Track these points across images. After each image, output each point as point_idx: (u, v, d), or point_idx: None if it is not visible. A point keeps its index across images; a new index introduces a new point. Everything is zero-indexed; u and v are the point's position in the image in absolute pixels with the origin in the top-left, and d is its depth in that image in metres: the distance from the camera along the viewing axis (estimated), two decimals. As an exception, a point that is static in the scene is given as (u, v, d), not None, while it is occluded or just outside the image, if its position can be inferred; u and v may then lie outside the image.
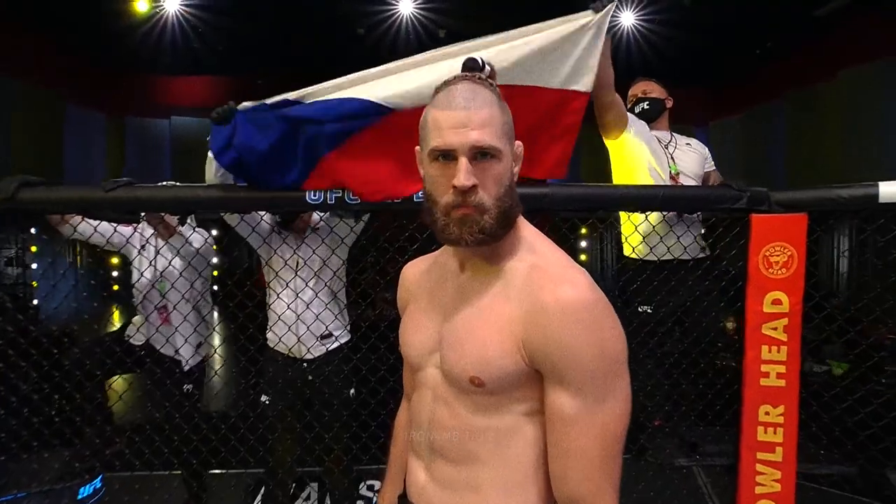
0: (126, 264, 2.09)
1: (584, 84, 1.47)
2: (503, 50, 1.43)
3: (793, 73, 8.21)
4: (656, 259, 1.71)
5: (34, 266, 8.09)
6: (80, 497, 1.67)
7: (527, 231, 0.79)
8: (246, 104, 1.46)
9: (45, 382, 1.54)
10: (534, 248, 0.77)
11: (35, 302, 7.61)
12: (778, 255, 1.54)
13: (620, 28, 6.94)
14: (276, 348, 1.82)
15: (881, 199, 1.43)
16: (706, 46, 7.81)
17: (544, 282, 0.71)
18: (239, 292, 1.75)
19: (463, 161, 0.70)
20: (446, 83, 0.76)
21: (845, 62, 7.34)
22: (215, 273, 2.55)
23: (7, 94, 6.74)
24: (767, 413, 1.56)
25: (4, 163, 6.47)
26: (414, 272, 0.92)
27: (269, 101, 1.48)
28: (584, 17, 1.46)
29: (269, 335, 1.84)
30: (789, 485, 1.56)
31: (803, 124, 8.17)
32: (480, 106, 0.71)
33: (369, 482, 2.17)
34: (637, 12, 6.72)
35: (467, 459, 0.74)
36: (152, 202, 1.44)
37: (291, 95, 1.48)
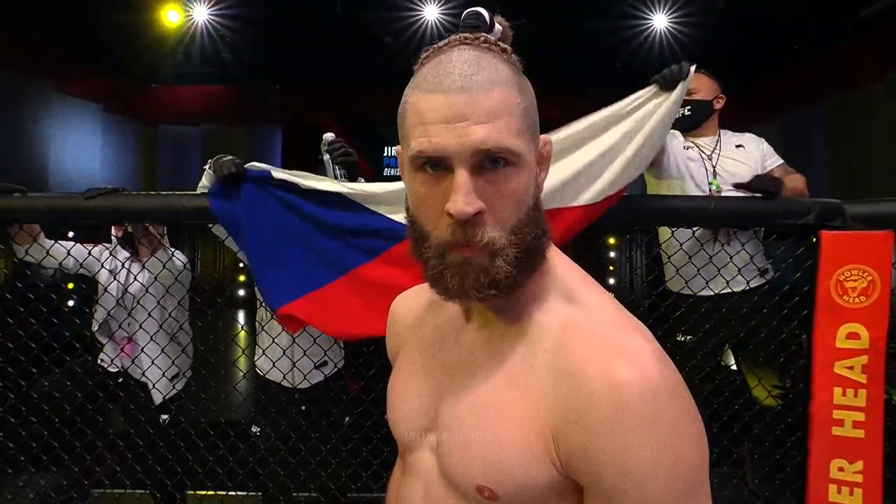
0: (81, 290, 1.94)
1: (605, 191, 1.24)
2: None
3: (835, 76, 7.72)
4: (692, 294, 1.47)
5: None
6: None
7: (561, 267, 0.55)
8: (254, 168, 1.32)
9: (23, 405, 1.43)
10: (572, 293, 0.52)
11: None
12: (855, 280, 1.28)
13: (653, 31, 6.65)
14: (267, 377, 1.66)
15: None
16: (742, 49, 7.42)
17: (588, 352, 0.47)
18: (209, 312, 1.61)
19: (462, 175, 0.46)
20: (437, 49, 0.51)
21: (893, 64, 6.84)
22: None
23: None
24: (841, 469, 1.29)
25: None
26: (408, 309, 0.68)
27: (275, 173, 1.32)
28: (652, 94, 1.26)
29: (261, 362, 1.67)
30: (870, 556, 1.29)
31: (846, 132, 7.66)
32: (487, 86, 0.46)
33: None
34: (670, 14, 6.42)
35: None
36: (136, 211, 1.30)
37: (304, 182, 1.31)
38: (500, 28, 0.56)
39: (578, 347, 0.47)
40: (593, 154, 1.22)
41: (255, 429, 1.67)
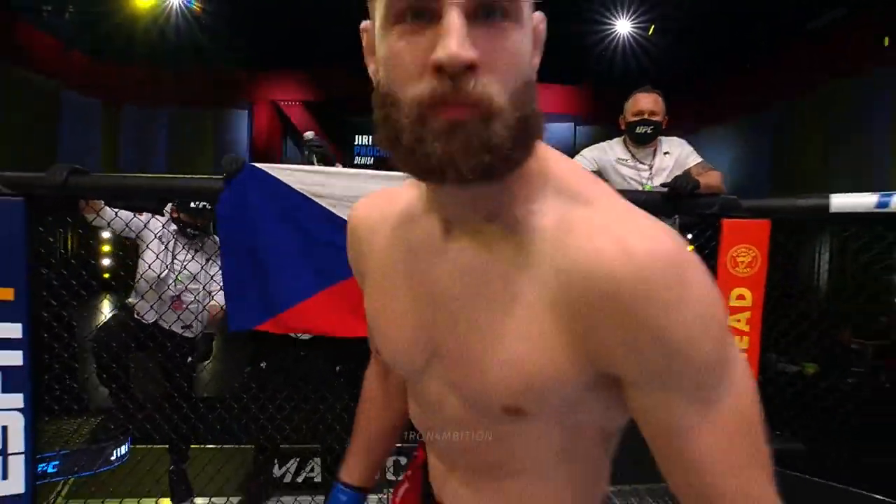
0: (129, 250, 2.28)
1: None
2: None
3: (781, 84, 8.52)
4: None
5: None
6: (112, 458, 1.85)
7: (560, 166, 0.48)
8: (257, 167, 1.60)
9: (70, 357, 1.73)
10: (575, 192, 0.46)
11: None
12: (744, 256, 1.76)
13: (617, 36, 7.21)
14: None
15: (832, 209, 1.66)
16: (699, 55, 8.09)
17: (599, 241, 0.41)
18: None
19: (454, 16, 0.38)
20: None
21: (833, 73, 7.66)
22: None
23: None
24: (731, 395, 1.78)
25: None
26: (370, 222, 0.59)
27: (283, 177, 1.58)
28: None
29: None
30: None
31: (789, 135, 8.50)
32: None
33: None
34: (633, 20, 6.97)
35: (510, 475, 0.53)
36: (182, 189, 1.64)
37: (308, 189, 1.59)
38: None
39: (586, 241, 0.41)
40: None
41: (263, 363, 2.03)
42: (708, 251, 1.84)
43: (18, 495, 1.61)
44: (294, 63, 8.91)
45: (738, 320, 1.77)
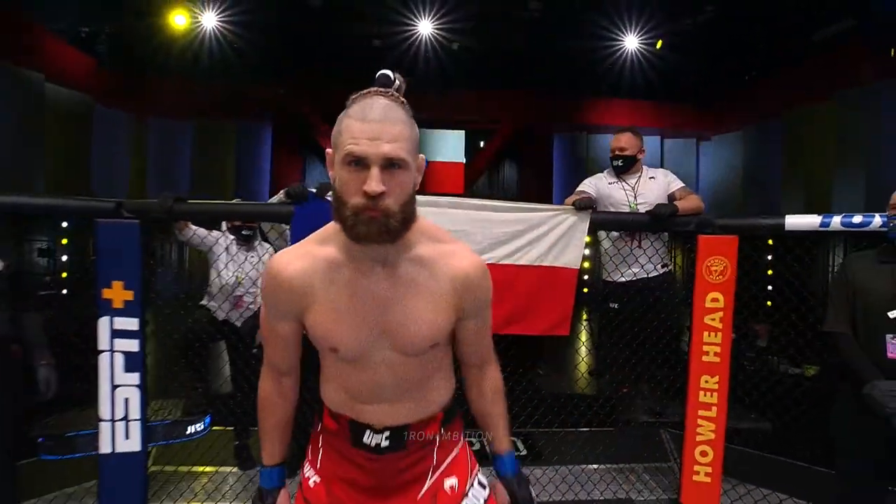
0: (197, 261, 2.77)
1: (573, 262, 2.15)
2: (500, 218, 2.11)
3: (791, 92, 8.80)
4: (624, 280, 2.39)
5: (63, 258, 8.68)
6: (188, 432, 2.31)
7: (429, 226, 0.96)
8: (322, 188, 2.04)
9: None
10: (438, 238, 0.96)
11: (64, 291, 8.23)
12: (717, 266, 2.16)
13: (625, 52, 7.59)
14: None
15: (787, 228, 2.05)
16: (709, 65, 8.42)
17: (460, 261, 0.94)
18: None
19: (375, 170, 0.79)
20: (362, 95, 0.85)
21: (840, 84, 7.93)
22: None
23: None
24: (706, 381, 2.18)
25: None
26: (302, 270, 0.93)
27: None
28: (568, 211, 2.16)
29: None
30: (720, 434, 2.17)
31: (799, 142, 8.74)
32: (394, 122, 0.81)
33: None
34: (640, 36, 7.36)
35: (426, 381, 0.99)
36: (250, 213, 2.11)
37: None
38: (399, 83, 0.89)
39: (458, 261, 0.94)
40: (534, 234, 2.14)
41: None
42: (689, 262, 2.23)
43: (136, 452, 2.07)
44: (315, 77, 9.41)
45: (713, 319, 2.17)
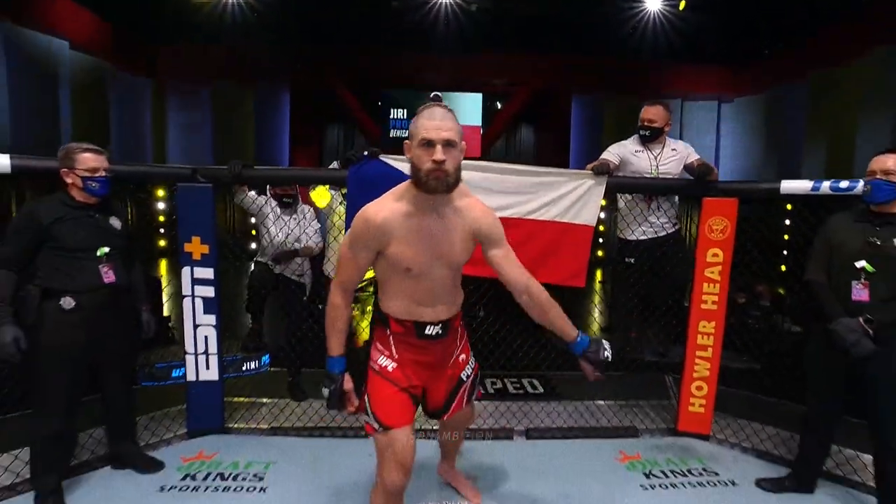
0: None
1: (590, 220, 2.46)
2: (525, 181, 2.42)
3: (817, 53, 8.66)
4: (635, 239, 2.69)
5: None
6: (262, 362, 2.75)
7: (460, 187, 1.46)
8: (387, 160, 2.38)
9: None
10: (461, 192, 1.47)
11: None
12: (718, 225, 2.46)
13: (647, 13, 7.55)
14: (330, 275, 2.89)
15: (782, 191, 2.33)
16: (732, 25, 8.31)
17: (472, 210, 1.48)
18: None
19: (438, 147, 1.31)
20: (426, 106, 1.39)
21: (873, 42, 7.76)
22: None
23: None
24: (704, 326, 2.52)
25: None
26: (386, 218, 1.40)
27: (389, 161, 2.37)
28: (586, 176, 2.45)
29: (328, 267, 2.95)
30: (714, 371, 2.53)
31: (824, 103, 8.66)
32: (448, 120, 1.35)
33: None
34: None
35: (457, 286, 1.56)
36: (306, 177, 2.47)
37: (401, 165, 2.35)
38: (441, 98, 1.70)
39: (472, 211, 1.47)
40: (556, 194, 2.44)
41: None
42: (694, 222, 2.53)
43: (215, 381, 2.50)
44: (333, 41, 9.48)
45: (713, 272, 2.48)
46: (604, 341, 1.51)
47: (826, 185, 2.22)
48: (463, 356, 1.68)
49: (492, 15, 8.49)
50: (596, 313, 4.56)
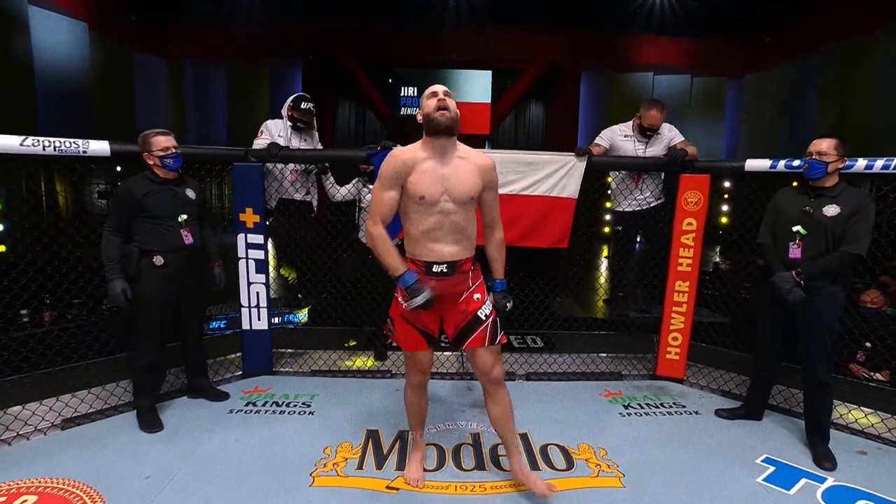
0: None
1: (573, 194, 2.95)
2: (520, 161, 2.93)
3: (831, 26, 8.80)
4: (622, 210, 3.16)
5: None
6: (305, 311, 3.30)
7: (461, 144, 1.86)
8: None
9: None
10: (465, 148, 1.86)
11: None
12: (692, 198, 2.92)
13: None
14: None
15: (746, 169, 2.77)
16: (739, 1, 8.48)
17: (480, 158, 1.86)
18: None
19: (440, 92, 1.78)
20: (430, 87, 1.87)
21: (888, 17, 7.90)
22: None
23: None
24: (680, 285, 3.00)
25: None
26: (409, 157, 1.79)
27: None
28: (570, 156, 2.93)
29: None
30: (688, 324, 3.03)
31: (837, 79, 8.84)
32: (445, 87, 1.81)
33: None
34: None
35: (465, 231, 1.85)
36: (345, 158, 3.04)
37: None
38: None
39: (479, 158, 1.88)
40: (544, 173, 2.94)
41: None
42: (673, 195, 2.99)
43: (265, 330, 3.05)
44: (343, 18, 9.81)
45: (688, 238, 2.96)
46: (509, 300, 2.02)
47: (781, 164, 2.66)
48: (478, 295, 1.94)
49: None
50: (602, 288, 5.06)
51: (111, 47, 8.99)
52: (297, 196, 3.38)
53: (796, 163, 2.61)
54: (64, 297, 2.68)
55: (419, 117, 1.82)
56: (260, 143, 3.24)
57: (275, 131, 3.32)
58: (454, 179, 1.80)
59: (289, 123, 3.36)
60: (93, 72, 8.54)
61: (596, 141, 3.24)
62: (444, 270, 1.86)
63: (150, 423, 2.43)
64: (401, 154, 1.82)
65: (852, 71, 8.56)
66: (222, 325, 3.43)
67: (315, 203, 3.55)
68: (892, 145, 7.36)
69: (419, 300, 1.76)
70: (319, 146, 3.49)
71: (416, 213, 1.84)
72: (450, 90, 1.82)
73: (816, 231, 2.24)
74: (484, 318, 1.92)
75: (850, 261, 2.18)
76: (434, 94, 1.79)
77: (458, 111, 1.81)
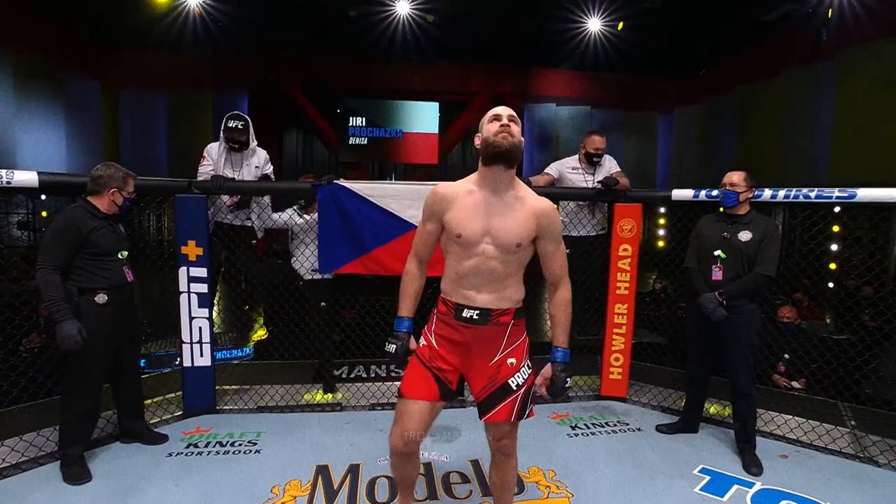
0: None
1: None
2: None
3: (742, 69, 9.82)
4: (574, 235, 3.35)
5: (44, 230, 9.09)
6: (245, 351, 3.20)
7: (519, 180, 1.65)
8: (341, 183, 2.98)
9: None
10: (526, 188, 1.64)
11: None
12: (627, 225, 3.14)
13: (588, 33, 8.42)
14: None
15: (673, 198, 3.03)
16: (671, 41, 9.30)
17: (538, 201, 1.62)
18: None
19: (504, 116, 1.58)
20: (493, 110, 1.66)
21: (786, 63, 8.96)
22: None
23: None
24: (619, 307, 3.18)
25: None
26: (449, 191, 1.63)
27: (351, 186, 2.98)
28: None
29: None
30: (628, 345, 3.20)
31: (750, 116, 9.82)
32: (509, 109, 1.63)
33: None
34: (603, 17, 8.19)
35: (507, 282, 1.61)
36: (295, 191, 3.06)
37: (365, 192, 2.98)
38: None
39: (537, 202, 1.62)
40: None
41: (322, 303, 3.32)
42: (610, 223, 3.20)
43: (208, 366, 2.94)
44: (293, 48, 9.85)
45: (624, 263, 3.16)
46: (569, 377, 1.67)
47: (703, 194, 2.93)
48: (513, 360, 1.64)
49: (447, 28, 9.12)
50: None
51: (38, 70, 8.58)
52: (237, 221, 3.30)
53: (715, 192, 2.88)
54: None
55: (477, 142, 1.63)
56: (203, 169, 3.19)
57: (215, 155, 3.28)
58: (500, 219, 1.58)
59: (224, 145, 3.30)
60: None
61: (545, 171, 3.44)
62: (476, 317, 1.61)
63: (77, 473, 2.26)
64: (442, 188, 1.66)
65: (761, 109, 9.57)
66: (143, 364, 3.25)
67: (257, 227, 3.44)
68: (795, 174, 8.25)
69: (390, 348, 1.67)
70: (258, 168, 3.38)
71: (453, 251, 1.64)
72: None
73: (734, 254, 2.47)
74: (515, 388, 1.63)
75: (763, 281, 2.42)
76: (497, 117, 1.60)
77: (522, 140, 1.62)
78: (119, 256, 2.35)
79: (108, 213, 2.35)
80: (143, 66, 9.88)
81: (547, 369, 1.66)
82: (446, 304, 1.66)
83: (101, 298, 2.28)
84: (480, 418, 1.65)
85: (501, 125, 1.57)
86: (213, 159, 3.25)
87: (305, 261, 3.30)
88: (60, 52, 8.90)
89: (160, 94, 10.29)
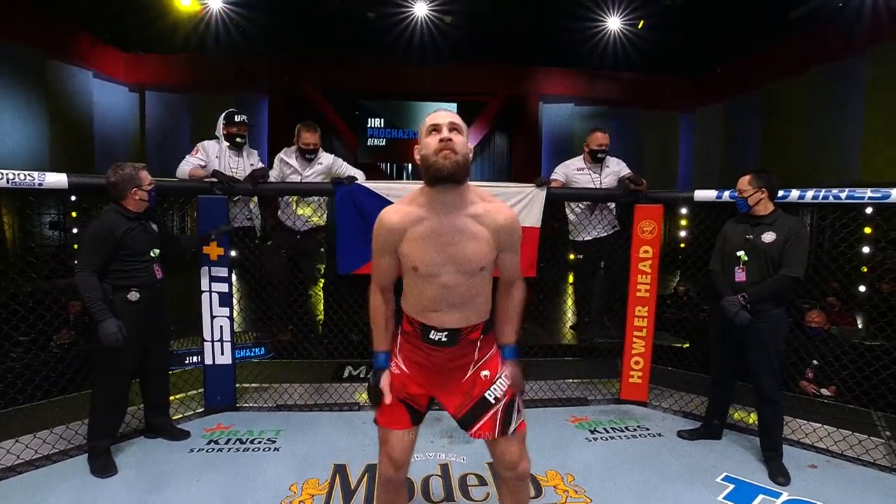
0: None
1: (536, 223, 3.04)
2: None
3: (767, 67, 9.59)
4: (582, 239, 3.31)
5: (74, 230, 9.40)
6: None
7: (473, 188, 1.47)
8: (363, 184, 3.00)
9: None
10: (483, 197, 1.48)
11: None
12: (647, 226, 3.08)
13: (607, 32, 8.32)
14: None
15: (696, 199, 2.97)
16: (692, 39, 9.14)
17: (501, 212, 1.47)
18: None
19: (444, 128, 1.37)
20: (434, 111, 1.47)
21: (814, 60, 8.72)
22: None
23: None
24: (640, 310, 3.13)
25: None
26: (396, 222, 1.45)
27: (370, 185, 2.99)
28: (530, 187, 3.03)
29: None
30: (649, 348, 3.15)
31: (776, 113, 9.58)
32: (452, 113, 1.43)
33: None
34: (622, 16, 8.09)
35: (475, 299, 1.49)
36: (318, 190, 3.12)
37: (383, 191, 2.96)
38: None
39: (496, 215, 1.44)
40: (507, 204, 3.03)
41: None
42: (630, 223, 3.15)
43: (229, 364, 2.99)
44: (312, 51, 9.96)
45: (645, 265, 3.11)
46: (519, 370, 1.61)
47: (726, 194, 2.86)
48: (486, 372, 1.56)
49: (464, 28, 9.12)
50: (569, 313, 5.19)
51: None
52: (236, 223, 3.30)
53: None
54: (11, 335, 2.57)
55: (416, 157, 1.44)
56: (193, 160, 3.21)
57: (212, 153, 3.30)
58: (458, 247, 1.43)
59: (225, 143, 3.32)
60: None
61: (552, 176, 3.42)
62: (444, 340, 1.51)
63: (104, 466, 2.32)
64: (387, 217, 1.47)
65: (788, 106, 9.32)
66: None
67: (258, 226, 3.51)
68: (823, 174, 8.02)
69: (372, 382, 1.59)
70: (252, 166, 3.38)
71: (412, 279, 1.51)
72: (457, 123, 1.43)
73: (757, 256, 2.41)
74: (493, 402, 1.54)
75: (789, 284, 2.35)
76: (436, 128, 1.39)
77: (468, 151, 1.42)
78: (151, 255, 2.43)
79: (139, 212, 2.41)
80: (169, 68, 10.12)
81: (513, 371, 1.60)
82: (412, 324, 1.55)
83: (133, 296, 2.35)
84: (466, 433, 1.58)
85: (441, 139, 1.37)
86: (209, 155, 3.29)
87: (297, 219, 3.45)
88: (89, 55, 9.20)
89: (184, 95, 10.50)
